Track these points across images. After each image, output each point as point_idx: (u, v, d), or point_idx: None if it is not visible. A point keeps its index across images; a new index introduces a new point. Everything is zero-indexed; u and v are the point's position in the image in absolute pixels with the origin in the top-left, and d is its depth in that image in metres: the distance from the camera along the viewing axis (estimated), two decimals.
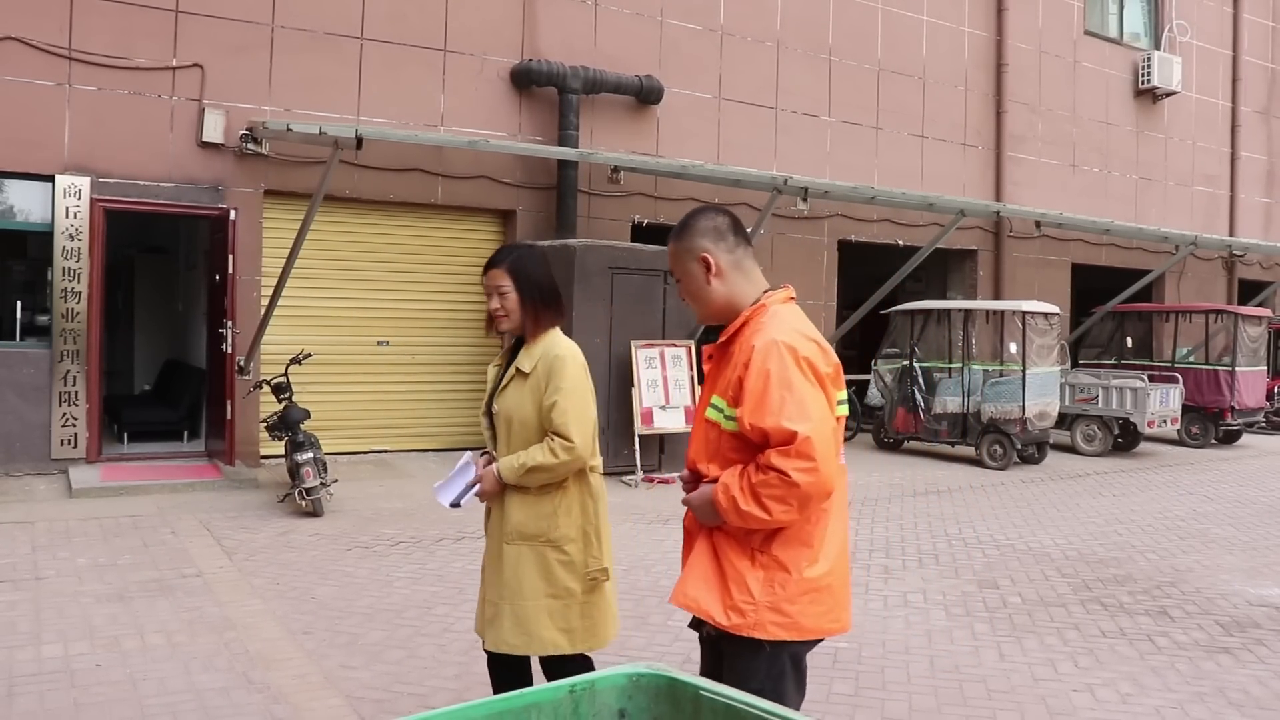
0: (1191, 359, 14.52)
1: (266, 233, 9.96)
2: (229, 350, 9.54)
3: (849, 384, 12.98)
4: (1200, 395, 14.01)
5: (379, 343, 10.78)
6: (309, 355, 8.82)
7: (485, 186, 11.01)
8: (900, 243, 14.12)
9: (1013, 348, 12.13)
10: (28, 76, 8.91)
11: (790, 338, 2.57)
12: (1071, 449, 13.15)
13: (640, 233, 11.91)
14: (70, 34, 9.05)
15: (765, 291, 2.78)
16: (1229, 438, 14.51)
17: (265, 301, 9.54)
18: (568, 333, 3.40)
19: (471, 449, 3.48)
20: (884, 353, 13.12)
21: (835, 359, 2.68)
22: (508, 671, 3.36)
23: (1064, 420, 12.85)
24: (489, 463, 3.30)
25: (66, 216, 9.06)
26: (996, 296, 15.07)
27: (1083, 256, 16.47)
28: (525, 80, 11.01)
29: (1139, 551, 7.51)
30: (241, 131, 9.61)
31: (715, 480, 2.61)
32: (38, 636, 4.95)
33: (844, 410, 2.66)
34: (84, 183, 9.08)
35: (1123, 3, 17.26)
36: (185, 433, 10.65)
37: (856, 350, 16.66)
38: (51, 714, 4.05)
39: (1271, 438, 15.68)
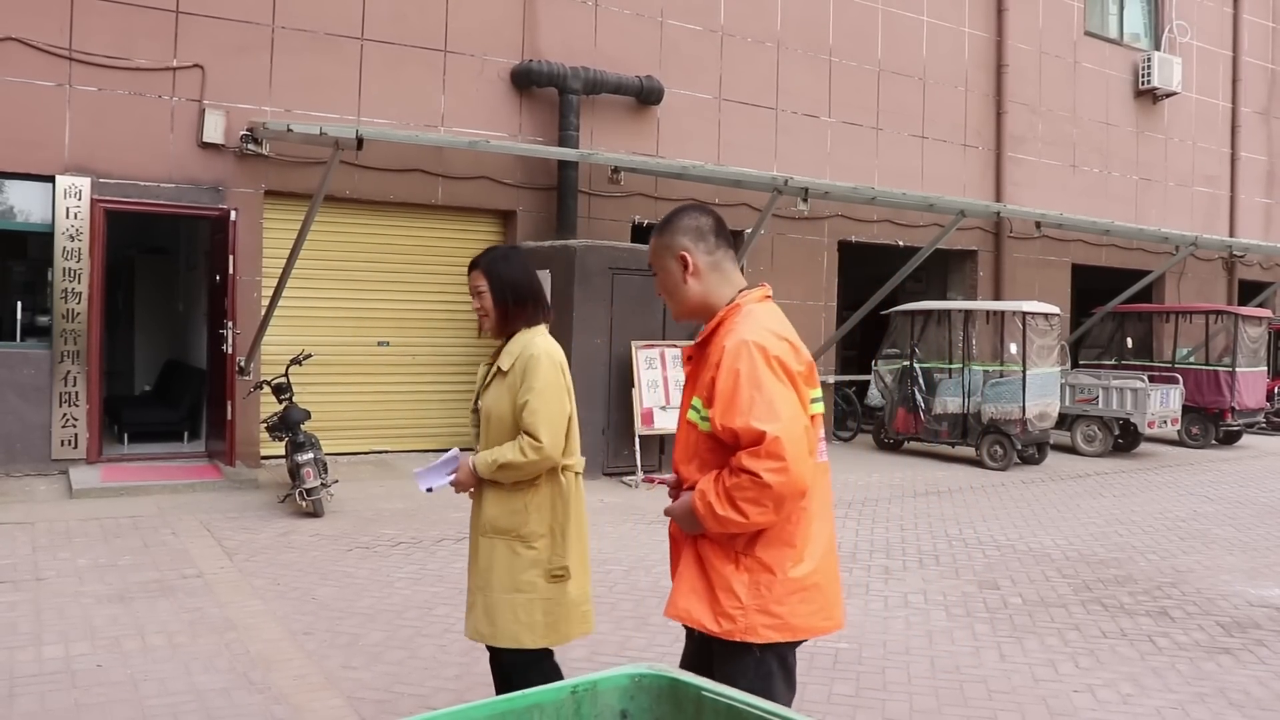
0: (1192, 359, 14.52)
1: (267, 233, 9.96)
2: (229, 351, 9.54)
3: (850, 384, 12.93)
4: (1200, 396, 14.01)
5: (379, 343, 10.78)
6: (309, 356, 8.82)
7: (485, 187, 11.01)
8: (900, 243, 14.12)
9: (1013, 348, 12.14)
10: (28, 77, 8.91)
11: (760, 337, 2.57)
12: (1072, 449, 13.15)
13: (640, 233, 11.91)
14: (70, 34, 9.05)
15: (741, 291, 2.76)
16: (1229, 438, 14.51)
17: (265, 302, 9.54)
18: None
19: (466, 450, 3.51)
20: (884, 353, 13.12)
21: (809, 357, 2.67)
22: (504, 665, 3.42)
23: (1064, 421, 12.85)
24: None
25: (67, 217, 9.06)
26: (997, 297, 15.07)
27: (1083, 257, 16.47)
28: (525, 81, 11.02)
29: (1139, 552, 7.51)
30: (242, 132, 9.61)
31: (694, 487, 2.61)
32: (38, 637, 4.95)
33: (818, 408, 2.65)
34: (84, 183, 9.08)
35: (1123, 3, 17.26)
36: (186, 433, 10.65)
37: (856, 350, 16.65)
38: (52, 714, 4.05)
39: (1272, 438, 15.68)
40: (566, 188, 11.05)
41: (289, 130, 8.78)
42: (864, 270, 14.60)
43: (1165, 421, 12.98)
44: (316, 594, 5.86)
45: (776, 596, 2.56)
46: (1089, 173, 16.47)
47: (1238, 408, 13.79)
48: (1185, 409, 13.74)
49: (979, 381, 12.11)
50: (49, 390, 9.06)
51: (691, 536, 2.67)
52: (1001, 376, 12.10)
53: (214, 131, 9.52)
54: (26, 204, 9.12)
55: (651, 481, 9.86)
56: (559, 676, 3.37)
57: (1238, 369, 13.75)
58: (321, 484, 8.01)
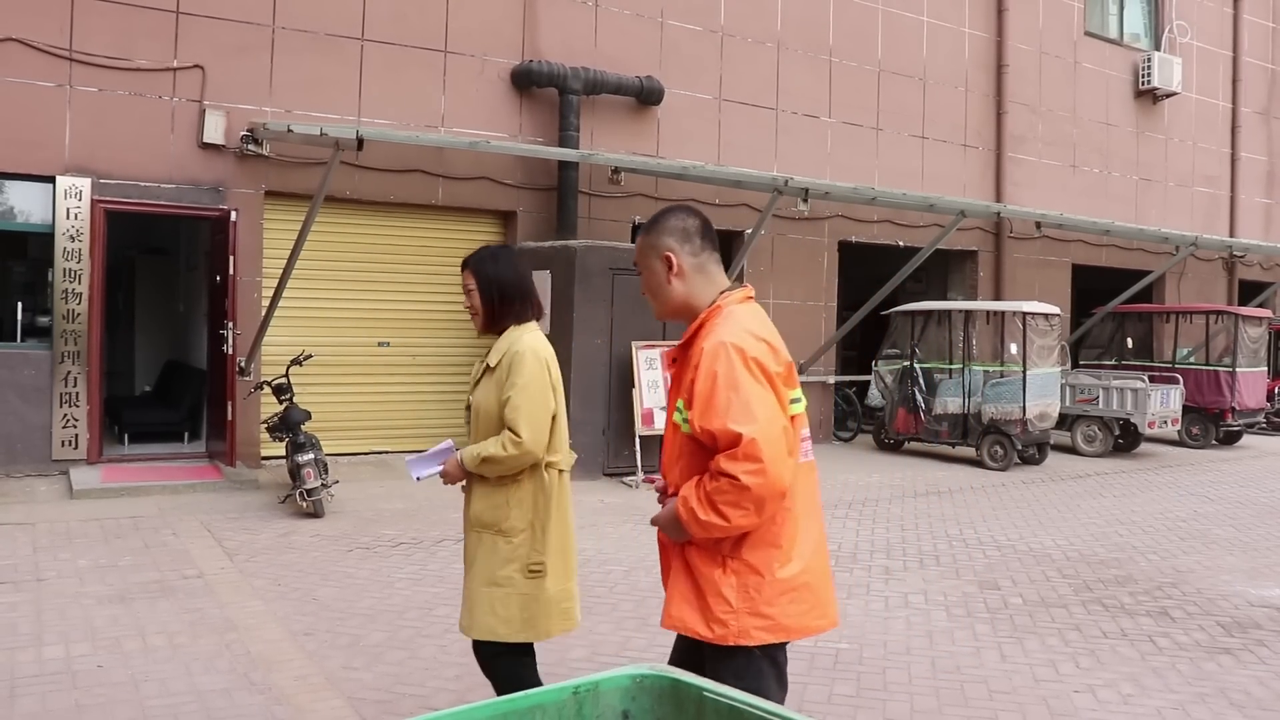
0: (1192, 360, 14.52)
1: (267, 234, 9.96)
2: (230, 351, 9.54)
3: (850, 385, 12.90)
4: (1201, 396, 14.01)
5: (380, 344, 10.78)
6: (309, 356, 8.82)
7: (486, 187, 11.01)
8: (901, 243, 14.12)
9: (1013, 348, 12.14)
10: (28, 77, 8.91)
11: (738, 338, 2.56)
12: (1072, 450, 13.15)
13: None
14: (71, 35, 9.05)
15: (722, 293, 2.76)
16: (1229, 438, 14.51)
17: (266, 302, 9.55)
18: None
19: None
20: (884, 353, 13.12)
21: (788, 357, 2.67)
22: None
23: (1064, 421, 12.85)
24: None
25: (67, 217, 9.06)
26: (997, 297, 15.07)
27: (1083, 257, 16.47)
28: (526, 81, 11.02)
29: (1140, 552, 7.51)
30: (242, 132, 9.61)
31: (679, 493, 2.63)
32: (39, 638, 4.95)
33: (798, 409, 2.65)
34: (85, 184, 9.08)
35: (1123, 3, 17.26)
36: (186, 434, 10.65)
37: (857, 351, 16.65)
38: (53, 715, 4.06)
39: (1272, 438, 15.68)
40: (567, 188, 11.05)
41: (289, 131, 8.78)
42: (864, 270, 14.60)
43: (1165, 422, 12.98)
44: (317, 594, 5.87)
45: (766, 598, 2.57)
46: (1089, 173, 16.47)
47: (1238, 408, 13.79)
48: (1185, 409, 13.74)
49: (979, 382, 12.11)
50: (49, 391, 9.06)
51: (679, 545, 2.67)
52: (1002, 377, 12.10)
53: (214, 132, 9.52)
54: (27, 204, 9.12)
55: (652, 482, 9.86)
56: (534, 673, 3.44)
57: (1238, 369, 13.75)
58: (322, 484, 8.02)
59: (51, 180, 9.04)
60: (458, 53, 10.81)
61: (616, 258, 10.18)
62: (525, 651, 3.42)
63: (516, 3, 11.15)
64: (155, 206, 9.48)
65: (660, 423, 9.93)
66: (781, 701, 2.65)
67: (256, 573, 6.30)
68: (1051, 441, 12.30)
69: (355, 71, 10.27)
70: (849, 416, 13.93)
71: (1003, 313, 12.43)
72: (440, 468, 3.44)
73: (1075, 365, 15.12)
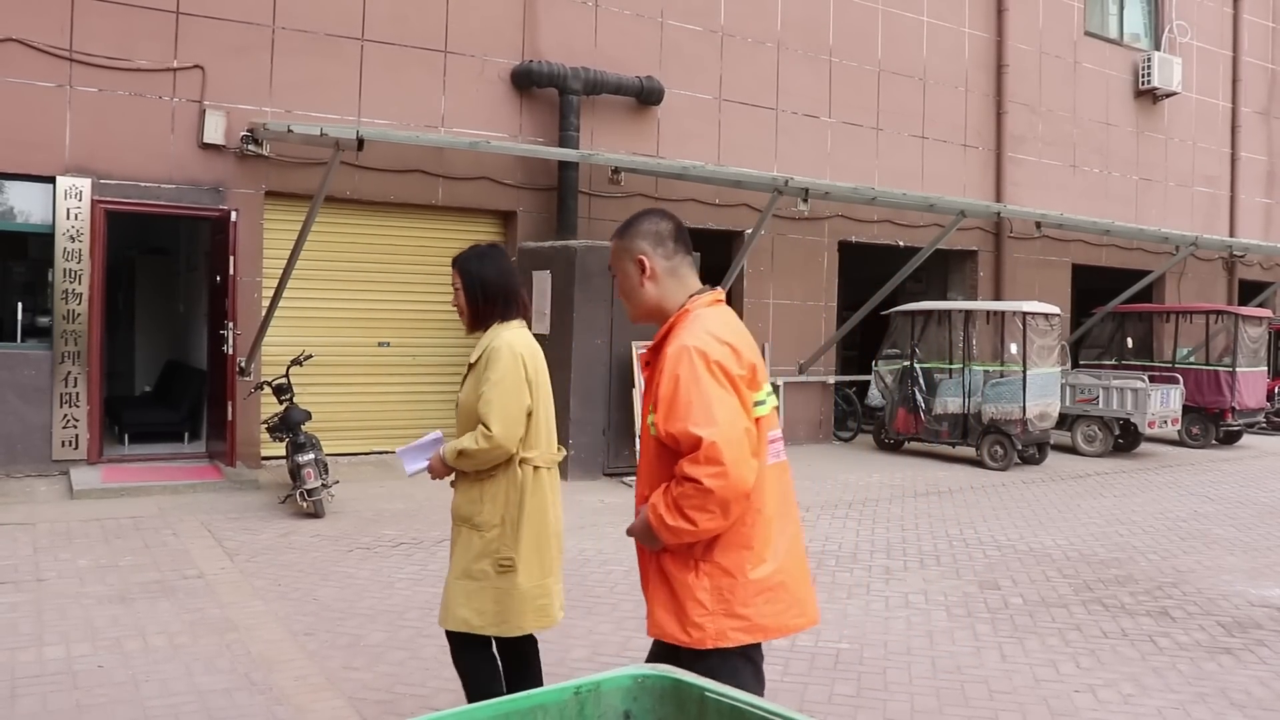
0: (1192, 359, 14.52)
1: (267, 234, 9.96)
2: (230, 351, 9.54)
3: (850, 385, 12.89)
4: (1201, 396, 14.01)
5: (380, 344, 10.78)
6: (310, 356, 8.83)
7: (486, 188, 11.02)
8: (901, 243, 14.13)
9: (1013, 348, 12.14)
10: (28, 78, 8.91)
11: (701, 341, 2.58)
12: (1072, 450, 13.15)
13: None
14: (71, 35, 9.05)
15: (692, 296, 2.79)
16: (1230, 438, 14.51)
17: (266, 303, 9.55)
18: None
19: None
20: (884, 353, 13.12)
21: (753, 359, 2.68)
22: (513, 659, 3.54)
23: (1065, 421, 12.85)
24: None
25: (67, 218, 9.06)
26: (997, 297, 15.07)
27: (1083, 257, 16.47)
28: (526, 81, 11.02)
29: (1140, 552, 7.52)
30: (242, 133, 9.61)
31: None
32: (40, 638, 4.95)
33: (763, 411, 2.66)
34: (85, 184, 9.08)
35: (1123, 3, 17.25)
36: (186, 434, 10.65)
37: (857, 351, 16.66)
38: (54, 715, 4.06)
39: (1272, 438, 15.68)
40: (567, 188, 11.05)
41: (289, 131, 8.78)
42: (864, 270, 14.60)
43: (1165, 421, 12.98)
44: (317, 595, 5.87)
45: (740, 599, 2.59)
46: (1089, 173, 16.47)
47: (1238, 408, 13.79)
48: (1185, 409, 13.74)
49: (979, 382, 12.11)
50: (50, 391, 9.06)
51: (655, 551, 2.69)
52: (1002, 377, 12.10)
53: (214, 132, 9.52)
54: (27, 205, 9.12)
55: None
56: (495, 668, 3.50)
57: (1238, 369, 13.75)
58: (322, 485, 8.02)
59: (52, 180, 9.04)
60: (458, 53, 10.81)
61: None
62: (487, 647, 3.48)
63: (516, 3, 11.15)
64: (155, 207, 9.48)
65: None
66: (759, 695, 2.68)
67: (257, 573, 6.30)
68: (1051, 441, 12.30)
69: (355, 71, 10.27)
70: (849, 416, 13.93)
71: (1003, 313, 12.43)
72: (428, 463, 3.53)
73: (1075, 365, 15.12)
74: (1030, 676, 4.83)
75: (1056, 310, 12.34)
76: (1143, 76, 16.90)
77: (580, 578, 6.22)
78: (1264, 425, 15.78)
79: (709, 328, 2.64)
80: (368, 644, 5.03)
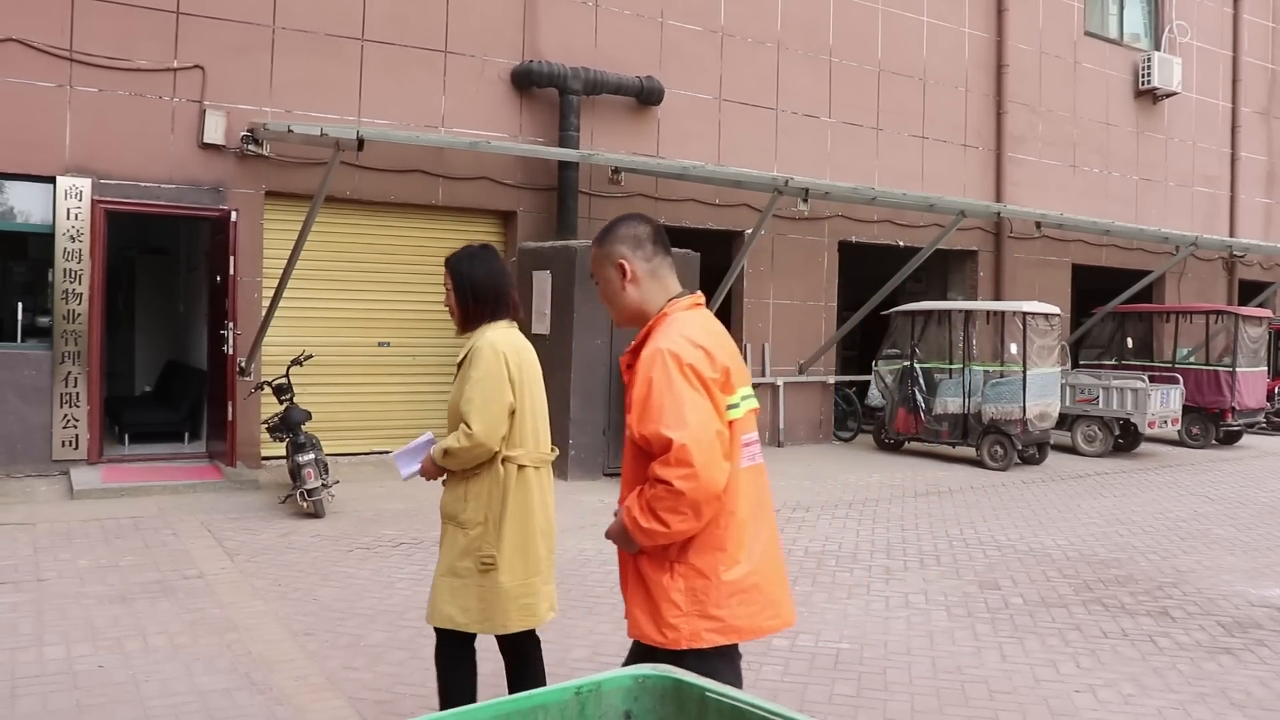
0: (1192, 359, 14.52)
1: (267, 234, 9.96)
2: (230, 351, 9.54)
3: (850, 385, 12.88)
4: (1201, 396, 14.01)
5: (380, 344, 10.78)
6: (310, 356, 8.83)
7: (486, 188, 11.02)
8: (901, 243, 14.13)
9: (1013, 348, 12.14)
10: (29, 78, 8.91)
11: (675, 344, 2.61)
12: (1072, 450, 13.15)
13: None
14: (71, 35, 9.05)
15: (671, 300, 2.81)
16: (1230, 438, 14.52)
17: (266, 303, 9.55)
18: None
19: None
20: (884, 353, 13.12)
21: (728, 363, 2.70)
22: (514, 658, 3.58)
23: (1065, 421, 12.85)
24: None
25: (68, 218, 9.06)
26: (997, 297, 15.07)
27: (1083, 257, 16.47)
28: (526, 81, 11.02)
29: (1140, 552, 7.52)
30: (242, 133, 9.61)
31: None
32: (40, 638, 4.95)
33: (736, 414, 2.69)
34: (85, 184, 9.09)
35: (1123, 3, 17.26)
36: (186, 434, 10.65)
37: (857, 351, 16.66)
38: (54, 715, 4.06)
39: (1272, 438, 15.68)
40: (567, 188, 11.06)
41: (289, 131, 8.78)
42: (864, 270, 14.60)
43: (1165, 421, 12.98)
44: (318, 595, 5.87)
45: (715, 600, 2.62)
46: (1089, 173, 16.47)
47: (1238, 408, 13.79)
48: (1185, 409, 13.74)
49: (979, 382, 12.11)
50: (50, 391, 9.06)
51: (632, 555, 2.73)
52: (1002, 377, 12.10)
53: (214, 132, 9.52)
54: (27, 205, 9.12)
55: None
56: (472, 668, 3.53)
57: (1238, 369, 13.75)
58: (322, 485, 8.02)
59: (52, 180, 9.04)
60: (458, 53, 10.82)
61: None
62: (467, 647, 3.51)
63: (516, 3, 11.15)
64: (155, 207, 9.48)
65: None
66: None
67: (257, 573, 6.30)
68: (1051, 441, 12.30)
69: (355, 71, 10.27)
70: (849, 416, 13.94)
71: (1003, 313, 12.43)
72: (421, 465, 3.57)
73: (1075, 365, 15.12)
74: (1030, 676, 4.83)
75: (1056, 310, 12.34)
76: (1143, 76, 16.90)
77: (580, 578, 6.22)
78: (1264, 425, 15.79)
79: (684, 331, 2.67)
80: (368, 644, 5.03)
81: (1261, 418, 14.99)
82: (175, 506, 8.13)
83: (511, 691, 3.57)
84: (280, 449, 8.93)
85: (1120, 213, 16.51)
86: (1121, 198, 16.87)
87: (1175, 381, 13.41)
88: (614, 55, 11.65)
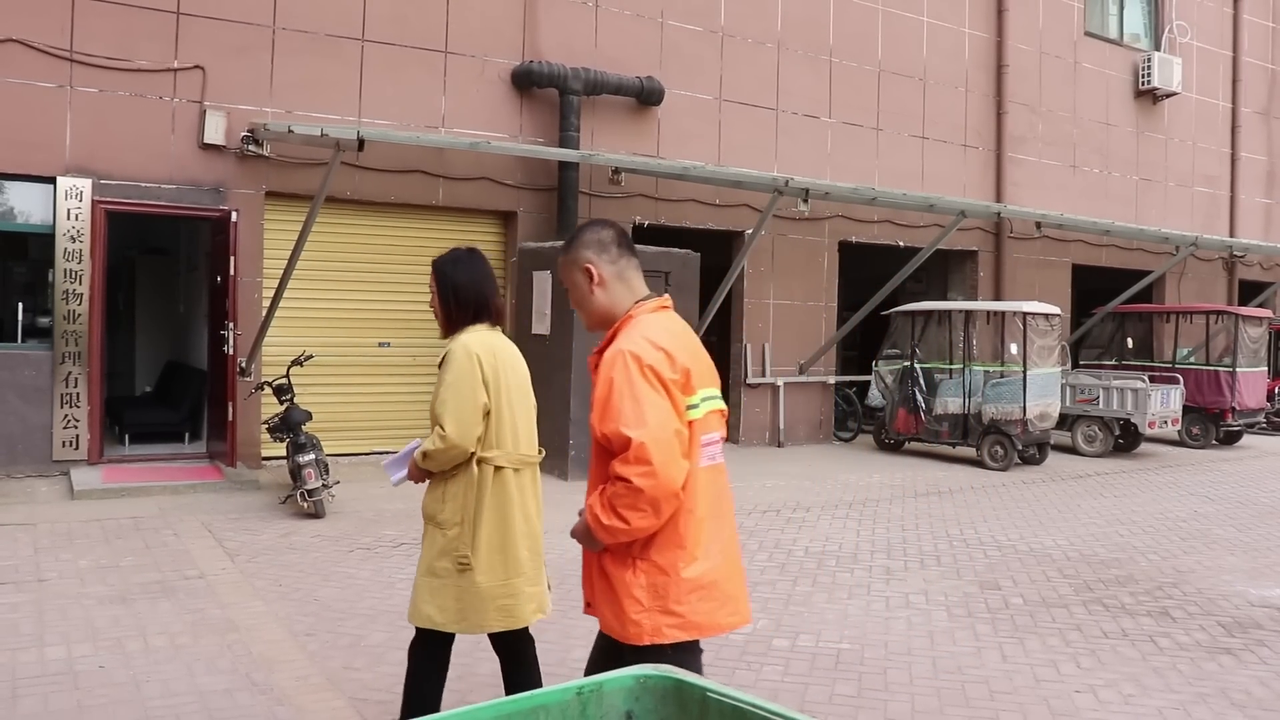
0: (1192, 360, 14.52)
1: (268, 234, 9.96)
2: (230, 352, 9.54)
3: (850, 385, 12.87)
4: (1201, 396, 14.01)
5: (380, 344, 10.78)
6: (310, 357, 8.83)
7: (486, 188, 11.02)
8: (901, 244, 14.13)
9: (1013, 349, 12.14)
10: (29, 78, 8.91)
11: (636, 346, 2.68)
12: (1072, 450, 13.15)
13: (641, 234, 11.91)
14: (71, 36, 9.06)
15: (637, 302, 2.87)
16: (1230, 438, 14.52)
17: (266, 303, 9.55)
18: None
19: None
20: (885, 354, 13.12)
21: (690, 364, 2.74)
22: (509, 657, 3.62)
23: (1065, 421, 12.85)
24: None
25: (68, 218, 9.06)
26: (997, 297, 15.08)
27: (1083, 257, 16.47)
28: (526, 82, 11.02)
29: (1140, 552, 7.52)
30: (243, 133, 9.62)
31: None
32: (41, 638, 4.95)
33: (696, 414, 2.73)
34: (85, 184, 9.09)
35: (1123, 4, 17.26)
36: (186, 434, 10.65)
37: (857, 351, 16.66)
38: (55, 716, 4.06)
39: (1272, 438, 15.68)
40: (567, 189, 11.06)
41: (290, 131, 8.78)
42: (864, 271, 14.60)
43: (1166, 422, 12.98)
44: (318, 595, 5.87)
45: (675, 596, 2.69)
46: (1089, 173, 16.47)
47: (1238, 408, 13.79)
48: (1186, 409, 13.74)
49: (980, 382, 12.12)
50: (50, 391, 9.06)
51: (595, 552, 2.80)
52: (1002, 377, 12.10)
53: (215, 132, 9.52)
54: (27, 205, 9.13)
55: None
56: (441, 669, 3.55)
57: (1238, 369, 13.75)
58: (323, 485, 8.02)
59: (52, 181, 9.04)
60: (458, 53, 10.82)
61: None
62: (442, 648, 3.54)
63: (517, 3, 11.15)
64: (156, 207, 9.48)
65: None
66: None
67: (258, 573, 6.30)
68: (1052, 441, 12.30)
69: (355, 72, 10.27)
70: (849, 416, 13.94)
71: (1003, 313, 12.43)
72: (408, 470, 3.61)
73: (1075, 365, 15.12)
74: (1031, 676, 4.83)
75: (1057, 310, 12.35)
76: (1143, 76, 16.90)
77: (579, 578, 6.21)
78: (1264, 425, 15.79)
79: (646, 333, 2.73)
80: (369, 644, 5.03)
81: (1261, 418, 14.99)
82: (176, 507, 8.14)
83: (509, 691, 3.58)
84: (281, 449, 8.93)
85: (1120, 213, 16.51)
86: (1121, 198, 16.87)
87: (1175, 382, 13.41)
88: (614, 55, 11.66)
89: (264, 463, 9.86)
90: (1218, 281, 18.67)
